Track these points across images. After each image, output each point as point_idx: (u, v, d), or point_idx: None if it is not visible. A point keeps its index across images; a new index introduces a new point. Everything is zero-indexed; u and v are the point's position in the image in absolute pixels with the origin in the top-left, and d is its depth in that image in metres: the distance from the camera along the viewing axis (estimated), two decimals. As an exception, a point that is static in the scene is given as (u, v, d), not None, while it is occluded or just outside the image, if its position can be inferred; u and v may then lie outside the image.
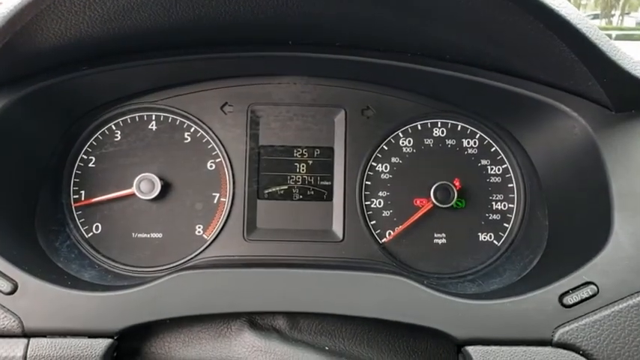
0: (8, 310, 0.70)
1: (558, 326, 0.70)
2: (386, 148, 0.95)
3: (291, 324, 0.80)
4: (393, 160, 0.95)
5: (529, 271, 0.85)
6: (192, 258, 0.93)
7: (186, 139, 0.95)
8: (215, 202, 0.95)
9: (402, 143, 0.96)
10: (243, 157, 0.94)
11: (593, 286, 0.70)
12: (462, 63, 0.83)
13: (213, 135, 0.94)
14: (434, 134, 0.96)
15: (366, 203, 0.95)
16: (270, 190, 0.95)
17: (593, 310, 0.69)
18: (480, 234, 0.94)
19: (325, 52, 0.85)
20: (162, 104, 0.95)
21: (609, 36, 0.71)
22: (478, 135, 0.95)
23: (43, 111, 0.83)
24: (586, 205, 0.79)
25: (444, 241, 0.94)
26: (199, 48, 0.85)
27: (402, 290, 0.74)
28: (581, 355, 0.69)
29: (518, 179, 0.94)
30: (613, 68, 0.68)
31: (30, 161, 0.85)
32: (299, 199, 0.95)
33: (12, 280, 0.70)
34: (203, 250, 0.94)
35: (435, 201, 0.92)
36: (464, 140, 0.95)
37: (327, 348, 0.77)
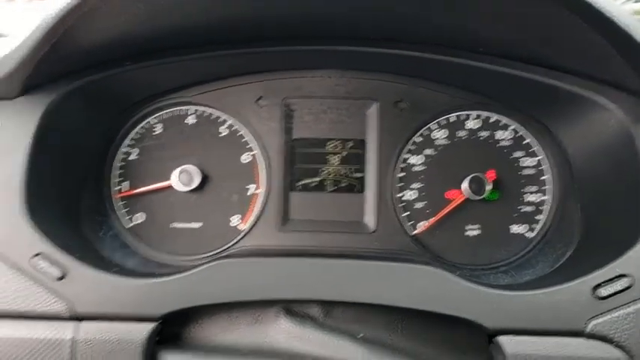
0: (58, 294, 0.73)
1: (591, 318, 0.70)
2: (419, 140, 0.96)
3: (325, 312, 0.82)
4: (426, 152, 0.96)
5: (562, 262, 0.85)
6: (228, 247, 0.96)
7: (223, 132, 0.97)
8: (250, 193, 0.97)
9: (435, 135, 0.96)
10: (277, 149, 0.96)
11: (628, 279, 0.70)
12: (497, 55, 0.83)
13: (248, 128, 0.97)
14: (467, 126, 0.96)
15: (399, 195, 0.96)
16: (303, 182, 0.97)
17: (628, 303, 0.70)
18: (512, 226, 0.94)
19: (359, 46, 0.86)
20: (199, 99, 0.97)
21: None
22: (512, 127, 0.95)
23: (88, 105, 0.87)
24: (621, 197, 0.78)
25: (476, 233, 0.95)
26: (236, 43, 0.87)
27: (435, 281, 0.75)
28: (615, 346, 0.69)
29: (551, 171, 0.94)
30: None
31: (76, 153, 0.89)
32: (332, 191, 0.97)
33: (62, 266, 0.74)
34: (239, 240, 0.96)
35: (468, 193, 0.92)
36: (497, 132, 0.96)
37: (360, 335, 0.79)
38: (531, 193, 0.94)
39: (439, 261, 0.94)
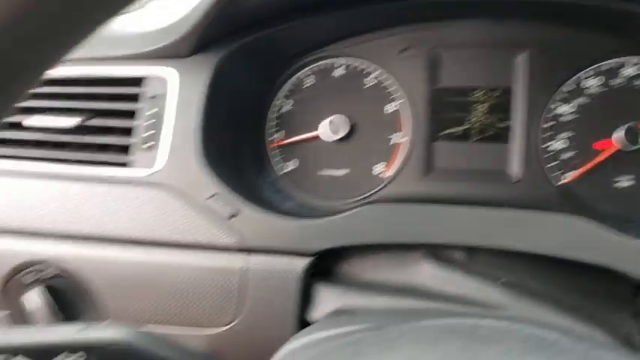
0: (230, 230, 0.85)
1: None
2: (569, 88, 0.94)
3: (469, 257, 0.86)
4: (576, 101, 0.94)
5: None
6: (372, 194, 1.02)
7: (369, 83, 1.02)
8: (395, 143, 1.01)
9: (587, 84, 0.93)
10: (422, 99, 0.99)
11: None
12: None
13: (393, 79, 1.00)
14: (622, 74, 0.92)
15: (545, 145, 0.95)
16: (447, 131, 1.00)
17: None
18: (669, 177, 0.90)
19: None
20: (348, 51, 1.02)
21: None
22: (674, 73, 0.90)
23: (251, 61, 0.96)
24: None
25: (627, 184, 0.92)
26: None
27: (582, 230, 0.76)
28: None
29: None
30: None
31: (240, 106, 0.99)
32: (476, 140, 0.98)
33: (233, 206, 0.85)
34: (383, 187, 1.01)
35: (621, 143, 0.89)
36: (657, 79, 0.91)
37: (503, 280, 0.82)
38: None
39: (586, 211, 0.92)
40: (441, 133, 1.00)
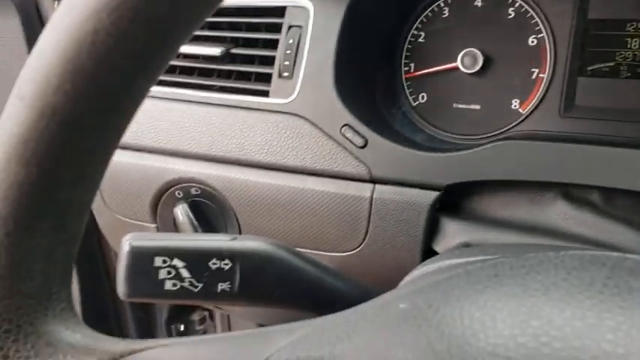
0: (360, 160, 0.87)
1: None
2: None
3: (606, 199, 0.82)
4: None
5: None
6: (506, 130, 0.99)
7: (510, 14, 0.97)
8: (534, 77, 0.97)
9: None
10: (568, 32, 0.93)
11: None
12: None
13: (538, 10, 0.95)
14: None
15: None
16: (594, 67, 0.93)
17: None
18: None
19: None
20: (489, -20, 0.98)
21: None
22: None
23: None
24: None
25: None
26: None
27: None
28: None
29: None
30: None
31: (374, 37, 0.99)
32: (626, 77, 0.92)
33: (363, 136, 0.87)
34: (518, 123, 0.98)
35: None
36: None
37: (642, 226, 0.78)
38: None
39: None
40: (587, 69, 0.94)
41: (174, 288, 0.55)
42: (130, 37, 0.32)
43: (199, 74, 1.02)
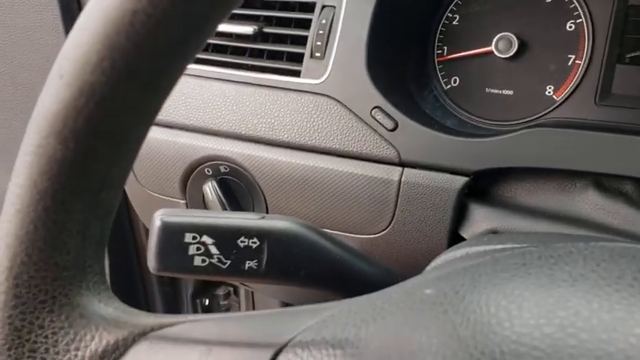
0: (389, 143, 0.87)
1: None
2: None
3: (639, 190, 0.80)
4: None
5: None
6: (540, 117, 0.97)
7: (548, -2, 0.95)
8: (570, 64, 0.95)
9: None
10: (607, 17, 0.91)
11: None
12: None
13: (577, -6, 0.93)
14: None
15: None
16: (633, 55, 0.91)
17: None
18: None
19: None
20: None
21: None
22: None
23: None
24: None
25: None
26: None
27: None
28: None
29: None
30: None
31: (407, 19, 0.98)
32: (667, 66, 0.89)
33: (394, 119, 0.86)
34: (551, 110, 0.96)
35: None
36: None
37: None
38: None
39: None
40: (626, 56, 0.91)
41: (203, 264, 0.56)
42: (167, 17, 0.32)
43: (231, 53, 1.02)
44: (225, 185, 1.03)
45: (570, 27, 0.94)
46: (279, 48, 0.98)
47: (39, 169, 0.34)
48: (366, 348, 0.32)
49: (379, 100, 0.87)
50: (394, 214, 0.88)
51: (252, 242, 0.58)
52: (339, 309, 0.37)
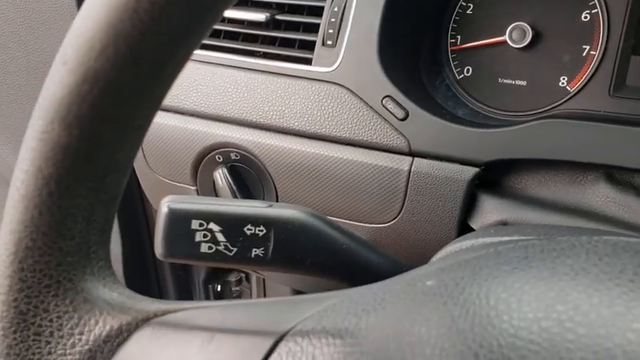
0: (400, 132, 0.87)
1: None
2: None
3: (654, 181, 0.80)
4: None
5: None
6: (553, 108, 0.96)
7: (564, -13, 0.94)
8: (584, 54, 0.94)
9: None
10: (623, 8, 0.89)
11: None
12: None
13: (593, -18, 0.91)
14: None
15: None
16: (650, 45, 0.90)
17: None
18: None
19: None
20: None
21: None
22: None
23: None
24: None
25: None
26: None
27: None
28: None
29: None
30: None
31: (419, 8, 0.97)
32: (684, 57, 0.88)
33: (405, 108, 0.86)
34: (565, 101, 0.95)
35: None
36: None
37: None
38: None
39: None
40: (642, 47, 0.90)
41: (210, 251, 0.56)
42: (171, 3, 0.32)
43: (243, 39, 1.02)
44: (235, 172, 1.04)
45: (585, 17, 0.92)
46: (291, 35, 0.97)
47: (44, 155, 0.34)
48: (365, 338, 0.32)
49: (390, 89, 0.87)
50: (403, 203, 0.88)
51: (259, 230, 0.58)
52: (341, 299, 0.37)
